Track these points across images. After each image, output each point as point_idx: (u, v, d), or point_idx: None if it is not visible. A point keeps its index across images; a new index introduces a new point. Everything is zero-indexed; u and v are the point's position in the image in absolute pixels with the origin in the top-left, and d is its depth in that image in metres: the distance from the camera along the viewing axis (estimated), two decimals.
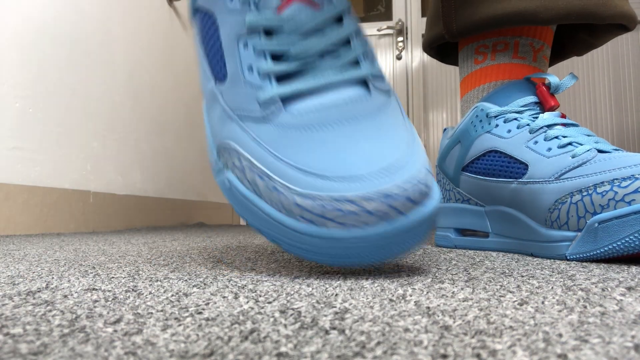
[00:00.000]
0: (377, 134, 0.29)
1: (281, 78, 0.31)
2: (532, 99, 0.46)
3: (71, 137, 1.16)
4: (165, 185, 1.57)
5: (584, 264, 0.36)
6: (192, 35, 1.93)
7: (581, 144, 0.41)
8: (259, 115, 0.30)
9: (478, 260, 0.39)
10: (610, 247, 0.35)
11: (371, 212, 0.26)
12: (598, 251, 0.36)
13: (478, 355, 0.14)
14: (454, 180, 0.51)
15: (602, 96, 2.11)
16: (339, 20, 0.33)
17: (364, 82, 0.32)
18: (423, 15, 2.25)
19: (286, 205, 0.28)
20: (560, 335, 0.16)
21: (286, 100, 0.31)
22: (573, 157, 0.40)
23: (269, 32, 0.31)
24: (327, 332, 0.16)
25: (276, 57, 0.31)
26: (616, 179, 0.36)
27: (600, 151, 0.40)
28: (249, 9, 0.31)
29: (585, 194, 0.37)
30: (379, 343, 0.15)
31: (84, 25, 1.21)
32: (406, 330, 0.16)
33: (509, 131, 0.45)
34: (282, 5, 0.31)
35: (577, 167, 0.39)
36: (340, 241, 0.27)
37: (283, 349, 0.14)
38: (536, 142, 0.43)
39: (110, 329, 0.17)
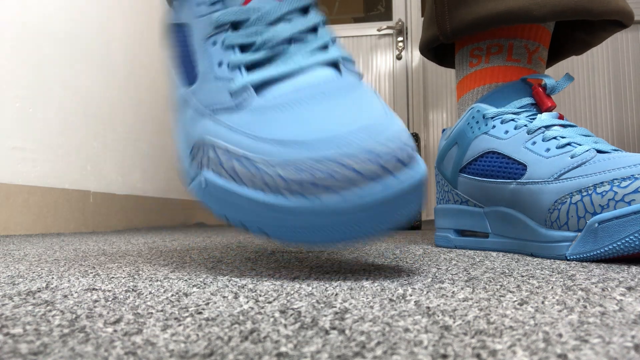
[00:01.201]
0: (353, 104, 0.29)
1: (251, 67, 0.31)
2: (528, 100, 0.46)
3: (71, 137, 1.16)
4: (165, 185, 1.57)
5: (584, 264, 0.36)
6: None
7: (580, 144, 0.41)
8: (231, 104, 0.30)
9: (478, 260, 0.39)
10: (610, 247, 0.35)
11: (359, 171, 0.25)
12: (598, 251, 0.36)
13: (478, 355, 0.14)
14: (452, 181, 0.51)
15: (602, 96, 2.11)
16: (304, 11, 0.33)
17: (334, 65, 0.32)
18: (423, 15, 2.25)
19: (270, 182, 0.27)
20: (560, 335, 0.16)
21: (259, 87, 0.31)
22: (572, 157, 0.40)
23: (236, 26, 0.32)
24: (327, 332, 0.16)
25: (245, 49, 0.31)
26: (616, 179, 0.36)
27: (599, 151, 0.40)
28: (216, 8, 0.32)
29: (585, 194, 0.37)
30: (379, 343, 0.15)
31: (84, 25, 1.21)
32: (406, 330, 0.17)
33: (507, 132, 0.45)
34: None
35: (577, 167, 0.39)
36: (337, 214, 0.26)
37: (283, 349, 0.14)
38: (534, 143, 0.43)
39: (110, 329, 0.17)
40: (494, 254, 0.44)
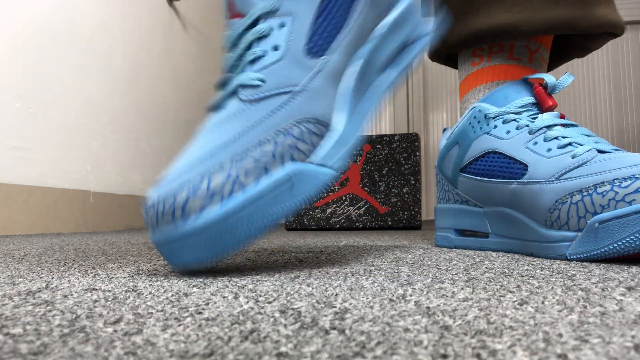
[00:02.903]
0: (192, 149, 0.32)
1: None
2: (529, 99, 0.46)
3: (71, 137, 1.16)
4: None
5: (584, 264, 0.36)
6: (191, 35, 1.92)
7: (581, 144, 0.41)
8: None
9: (478, 260, 0.39)
10: (610, 247, 0.35)
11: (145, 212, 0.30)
12: (598, 251, 0.36)
13: (478, 355, 0.14)
14: (453, 181, 0.51)
15: (602, 96, 2.11)
16: (254, 25, 0.35)
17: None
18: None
19: None
20: (560, 335, 0.16)
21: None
22: (573, 157, 0.40)
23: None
24: (327, 332, 0.16)
25: None
26: (616, 179, 0.36)
27: (600, 151, 0.40)
28: None
29: (585, 194, 0.37)
30: (379, 343, 0.15)
31: (84, 25, 1.21)
32: (406, 330, 0.16)
33: (508, 132, 0.45)
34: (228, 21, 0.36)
35: (577, 167, 0.39)
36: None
37: (283, 349, 0.14)
38: (536, 143, 0.43)
39: (110, 329, 0.17)
40: (494, 254, 0.44)
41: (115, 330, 0.17)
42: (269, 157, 0.30)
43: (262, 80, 0.33)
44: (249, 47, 0.34)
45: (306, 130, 0.33)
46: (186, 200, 0.28)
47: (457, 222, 0.51)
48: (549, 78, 0.46)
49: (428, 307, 0.20)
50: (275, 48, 0.34)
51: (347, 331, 0.16)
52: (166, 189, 0.30)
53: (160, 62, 1.58)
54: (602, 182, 0.37)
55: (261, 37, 0.34)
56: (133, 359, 0.14)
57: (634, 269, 0.32)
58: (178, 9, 1.71)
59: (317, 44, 0.35)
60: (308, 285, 0.26)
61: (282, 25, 0.34)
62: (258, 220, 0.30)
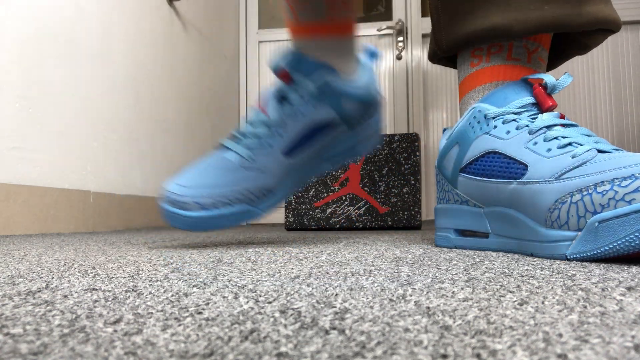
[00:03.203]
0: (204, 169, 0.56)
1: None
2: (529, 99, 0.46)
3: (71, 137, 1.16)
4: None
5: (584, 264, 0.36)
6: (191, 35, 1.92)
7: (581, 144, 0.41)
8: None
9: (478, 260, 0.39)
10: (610, 246, 0.35)
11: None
12: (598, 250, 0.36)
13: (478, 355, 0.14)
14: (452, 181, 0.51)
15: (602, 96, 2.11)
16: (268, 125, 0.57)
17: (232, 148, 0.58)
18: (423, 15, 2.25)
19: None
20: (560, 335, 0.16)
21: None
22: (573, 157, 0.40)
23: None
24: (327, 332, 0.16)
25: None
26: (616, 179, 0.36)
27: (600, 151, 0.40)
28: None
29: (585, 193, 0.37)
30: (379, 343, 0.15)
31: (84, 25, 1.21)
32: (406, 330, 0.16)
33: (508, 132, 0.45)
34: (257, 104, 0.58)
35: (577, 167, 0.39)
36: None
37: (283, 349, 0.14)
38: (536, 143, 0.43)
39: (110, 329, 0.17)
40: (494, 254, 0.44)
41: (115, 330, 0.17)
42: (236, 199, 0.55)
43: (254, 160, 0.55)
44: (260, 135, 0.56)
45: (259, 191, 0.56)
46: (190, 202, 0.53)
47: (457, 222, 0.51)
48: (548, 78, 0.46)
49: (428, 307, 0.20)
50: (270, 146, 0.56)
51: (347, 331, 0.16)
52: (181, 189, 0.54)
53: (160, 62, 1.58)
54: (602, 182, 0.37)
55: (267, 135, 0.56)
56: (133, 359, 0.14)
57: (634, 269, 0.32)
58: (178, 9, 1.71)
59: (291, 150, 0.56)
60: (308, 285, 0.26)
61: (280, 135, 0.56)
62: (219, 224, 0.54)
